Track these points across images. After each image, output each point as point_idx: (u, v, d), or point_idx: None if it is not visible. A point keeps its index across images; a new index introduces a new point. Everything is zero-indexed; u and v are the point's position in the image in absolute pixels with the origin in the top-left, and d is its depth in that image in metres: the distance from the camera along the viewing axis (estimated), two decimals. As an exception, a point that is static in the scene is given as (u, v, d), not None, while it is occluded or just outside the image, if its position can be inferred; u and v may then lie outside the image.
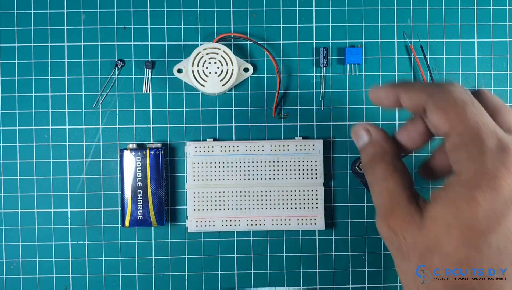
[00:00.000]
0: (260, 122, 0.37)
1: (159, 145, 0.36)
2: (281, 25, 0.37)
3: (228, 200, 0.36)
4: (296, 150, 0.36)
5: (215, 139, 0.37)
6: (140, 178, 0.35)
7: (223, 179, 0.36)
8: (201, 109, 0.37)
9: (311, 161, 0.36)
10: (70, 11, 0.37)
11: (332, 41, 0.37)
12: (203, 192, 0.36)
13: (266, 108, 0.37)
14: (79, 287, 0.36)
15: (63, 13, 0.37)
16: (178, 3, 0.37)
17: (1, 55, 0.36)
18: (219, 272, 0.37)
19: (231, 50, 0.36)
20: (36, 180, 0.36)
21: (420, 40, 0.37)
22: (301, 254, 0.37)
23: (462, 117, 0.22)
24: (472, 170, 0.21)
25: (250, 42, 0.37)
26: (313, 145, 0.36)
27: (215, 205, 0.36)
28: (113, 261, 0.37)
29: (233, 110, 0.37)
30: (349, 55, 0.36)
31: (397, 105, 0.25)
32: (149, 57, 0.37)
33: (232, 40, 0.37)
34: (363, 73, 0.37)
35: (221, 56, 0.35)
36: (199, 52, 0.35)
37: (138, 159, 0.35)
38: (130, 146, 0.36)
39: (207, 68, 0.35)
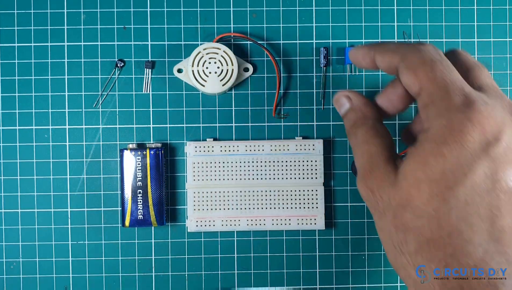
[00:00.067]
0: (260, 122, 0.37)
1: (159, 145, 0.36)
2: (281, 25, 0.37)
3: (228, 200, 0.36)
4: (296, 150, 0.36)
5: (215, 139, 0.37)
6: (140, 178, 0.35)
7: (223, 179, 0.36)
8: (201, 109, 0.37)
9: (311, 161, 0.36)
10: (70, 11, 0.37)
11: (332, 41, 0.37)
12: (203, 192, 0.36)
13: (266, 108, 0.37)
14: (79, 287, 0.36)
15: (63, 13, 0.37)
16: (178, 3, 0.37)
17: (1, 55, 0.36)
18: (219, 272, 0.37)
19: (231, 50, 0.36)
20: (36, 180, 0.36)
21: (420, 40, 0.37)
22: (301, 254, 0.37)
23: (431, 76, 0.22)
24: (439, 126, 0.21)
25: (250, 42, 0.37)
26: (313, 145, 0.36)
27: (215, 205, 0.36)
28: (113, 261, 0.37)
29: (233, 110, 0.37)
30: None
31: (374, 67, 0.26)
32: (149, 57, 0.37)
33: (232, 40, 0.37)
34: (363, 73, 0.37)
35: (221, 56, 0.35)
36: (199, 52, 0.35)
37: (138, 159, 0.35)
38: (130, 146, 0.36)
39: (207, 68, 0.35)
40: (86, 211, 0.37)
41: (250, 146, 0.36)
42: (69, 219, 0.36)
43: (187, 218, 0.36)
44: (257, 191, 0.36)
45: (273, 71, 0.37)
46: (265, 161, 0.36)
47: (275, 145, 0.36)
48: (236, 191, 0.36)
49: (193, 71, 0.35)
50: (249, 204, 0.36)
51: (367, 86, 0.37)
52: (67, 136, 0.37)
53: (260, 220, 0.36)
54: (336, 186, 0.37)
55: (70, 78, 0.37)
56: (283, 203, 0.36)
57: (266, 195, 0.36)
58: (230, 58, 0.35)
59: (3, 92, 0.36)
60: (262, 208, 0.36)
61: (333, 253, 0.37)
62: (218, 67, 0.35)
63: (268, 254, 0.37)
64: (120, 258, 0.37)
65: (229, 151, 0.36)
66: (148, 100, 0.37)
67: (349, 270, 0.37)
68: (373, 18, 0.37)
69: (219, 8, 0.37)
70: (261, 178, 0.36)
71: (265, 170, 0.36)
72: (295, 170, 0.36)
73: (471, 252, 0.20)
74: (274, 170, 0.36)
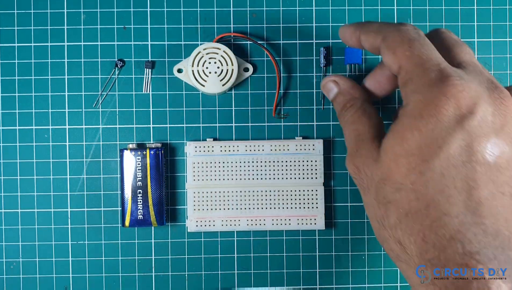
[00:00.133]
0: (260, 122, 0.37)
1: (159, 145, 0.36)
2: (281, 25, 0.37)
3: (228, 200, 0.36)
4: (296, 150, 0.36)
5: (215, 139, 0.37)
6: (140, 178, 0.35)
7: (223, 179, 0.36)
8: (201, 109, 0.37)
9: (311, 161, 0.36)
10: (70, 11, 0.37)
11: (332, 41, 0.37)
12: (203, 192, 0.36)
13: (266, 108, 0.37)
14: (79, 287, 0.36)
15: (63, 13, 0.37)
16: (178, 3, 0.37)
17: (1, 55, 0.36)
18: (219, 272, 0.37)
19: (231, 50, 0.36)
20: (36, 180, 0.36)
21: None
22: (301, 254, 0.37)
23: (408, 54, 0.23)
24: (416, 101, 0.22)
25: (250, 42, 0.37)
26: (313, 145, 0.36)
27: (215, 205, 0.36)
28: (113, 261, 0.37)
29: (233, 110, 0.37)
30: (349, 55, 0.36)
31: (361, 46, 0.27)
32: (149, 57, 0.37)
33: (232, 40, 0.37)
34: (363, 73, 0.37)
35: (221, 56, 0.35)
36: (199, 52, 0.35)
37: (138, 159, 0.35)
38: (130, 146, 0.36)
39: (207, 68, 0.35)
40: (86, 211, 0.37)
41: (250, 146, 0.36)
42: (69, 219, 0.36)
43: (187, 218, 0.36)
44: (257, 191, 0.36)
45: (273, 71, 0.37)
46: (265, 161, 0.36)
47: (275, 145, 0.36)
48: (236, 191, 0.36)
49: (193, 71, 0.35)
50: (249, 204, 0.36)
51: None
52: (67, 136, 0.37)
53: (260, 220, 0.36)
54: (336, 186, 0.37)
55: (70, 78, 0.37)
56: (283, 203, 0.36)
57: (266, 195, 0.36)
58: (230, 58, 0.35)
59: (3, 92, 0.36)
60: (262, 208, 0.36)
61: (333, 253, 0.37)
62: (218, 67, 0.35)
63: (268, 254, 0.37)
64: (120, 258, 0.37)
65: (229, 151, 0.36)
66: (148, 100, 0.37)
67: (349, 270, 0.37)
68: (373, 18, 0.37)
69: (219, 8, 0.37)
70: (261, 178, 0.36)
71: (265, 170, 0.36)
72: (295, 170, 0.36)
73: (447, 223, 0.21)
74: (274, 170, 0.36)
